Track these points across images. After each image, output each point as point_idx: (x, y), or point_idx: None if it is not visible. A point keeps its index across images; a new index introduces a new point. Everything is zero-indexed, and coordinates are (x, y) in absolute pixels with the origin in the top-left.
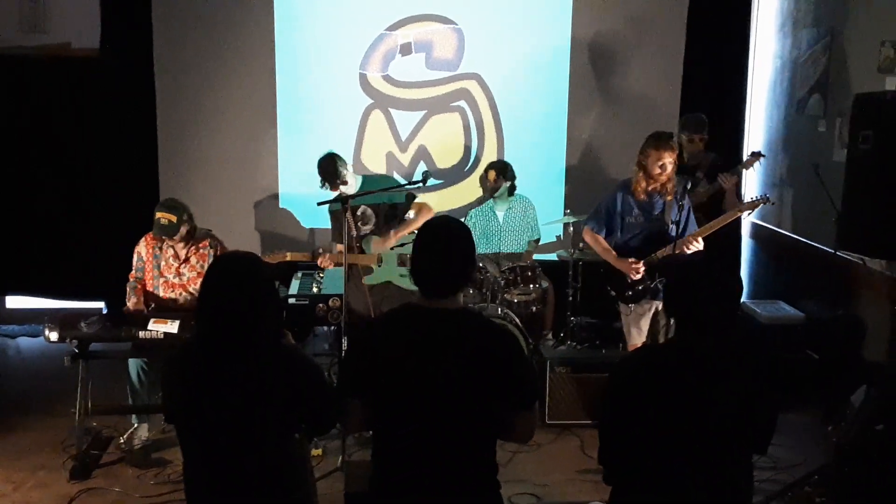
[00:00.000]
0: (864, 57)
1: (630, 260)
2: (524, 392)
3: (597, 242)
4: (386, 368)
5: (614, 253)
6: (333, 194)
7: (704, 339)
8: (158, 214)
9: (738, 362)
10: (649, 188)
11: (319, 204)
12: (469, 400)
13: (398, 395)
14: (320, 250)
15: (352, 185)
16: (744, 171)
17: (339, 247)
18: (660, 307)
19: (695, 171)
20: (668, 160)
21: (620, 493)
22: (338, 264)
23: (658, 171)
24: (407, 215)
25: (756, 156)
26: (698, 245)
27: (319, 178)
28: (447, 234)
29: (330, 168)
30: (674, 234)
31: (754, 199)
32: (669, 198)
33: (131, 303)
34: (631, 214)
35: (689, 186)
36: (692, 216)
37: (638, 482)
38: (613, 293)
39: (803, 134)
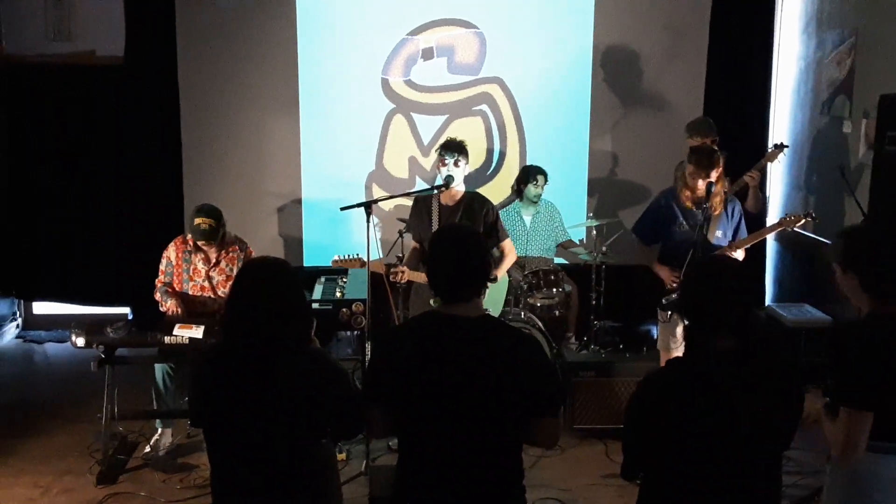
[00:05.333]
0: (889, 57)
1: (668, 270)
2: (547, 399)
3: (641, 249)
4: (408, 377)
5: (653, 259)
6: (355, 200)
7: (723, 343)
8: (198, 220)
9: (764, 367)
10: (693, 198)
11: (343, 209)
12: (492, 407)
13: (421, 403)
14: (396, 264)
15: (456, 183)
16: (767, 164)
17: (414, 243)
18: None
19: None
20: (700, 178)
21: (647, 500)
22: (413, 282)
23: (692, 184)
24: (493, 251)
25: (779, 147)
26: (738, 256)
27: (443, 146)
28: (459, 237)
29: (462, 145)
30: (723, 242)
31: (798, 215)
32: (717, 212)
33: (171, 304)
34: (675, 222)
35: (711, 190)
36: (743, 225)
37: (665, 490)
38: (664, 301)
39: (828, 135)
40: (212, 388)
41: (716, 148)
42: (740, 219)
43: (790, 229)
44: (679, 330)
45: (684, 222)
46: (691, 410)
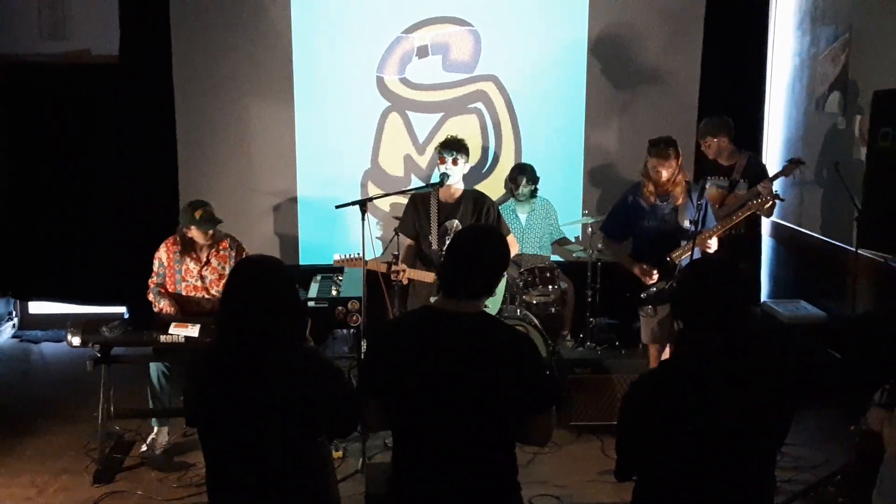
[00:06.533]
0: (883, 53)
1: (643, 265)
2: (540, 396)
3: (611, 247)
4: (402, 371)
5: (629, 257)
6: (349, 198)
7: (714, 341)
8: (198, 212)
9: (757, 364)
10: (657, 191)
11: (338, 207)
12: (485, 402)
13: (415, 398)
14: (396, 263)
15: (455, 181)
16: (783, 178)
17: (409, 241)
18: None
19: (730, 173)
20: (662, 168)
21: (642, 497)
22: (412, 280)
23: (655, 176)
24: None
25: (795, 163)
26: (713, 244)
27: (442, 144)
28: (484, 241)
29: (462, 143)
30: (691, 234)
31: (763, 198)
32: (680, 202)
33: (164, 304)
34: (643, 218)
35: (707, 186)
36: (710, 213)
37: (660, 488)
38: (628, 294)
39: (823, 132)
40: (205, 386)
41: (722, 146)
42: (706, 206)
43: (759, 212)
44: (659, 323)
45: (650, 216)
46: (682, 408)
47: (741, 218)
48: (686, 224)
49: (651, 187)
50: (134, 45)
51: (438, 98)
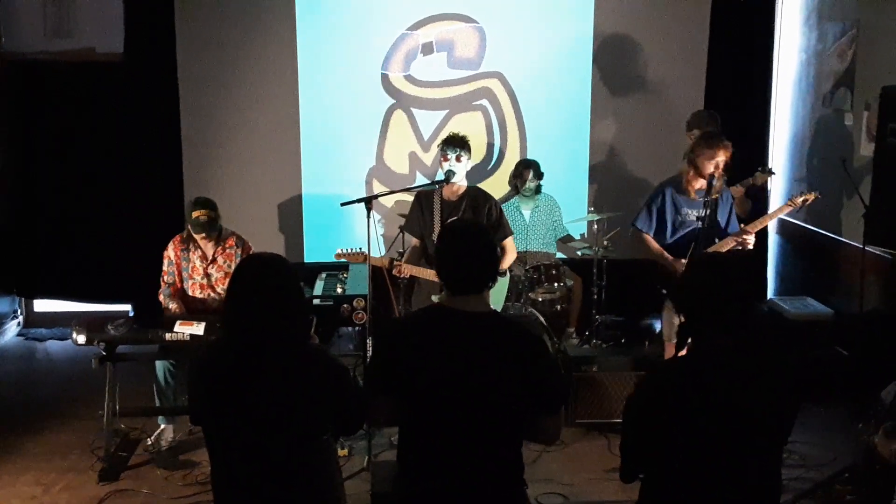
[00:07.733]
0: (890, 49)
1: (682, 261)
2: (548, 396)
3: (648, 243)
4: (411, 370)
5: (667, 253)
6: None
7: (724, 339)
8: (196, 213)
9: (763, 361)
10: (699, 187)
11: (343, 204)
12: (494, 401)
13: (423, 396)
14: (400, 260)
15: (459, 178)
16: (753, 184)
17: (415, 241)
18: None
19: None
20: (721, 158)
21: (648, 496)
22: (414, 277)
23: (712, 169)
24: None
25: (764, 172)
26: (751, 239)
27: (444, 142)
28: (467, 232)
29: (464, 140)
30: (721, 229)
31: (807, 194)
32: (719, 195)
33: (174, 306)
34: (681, 213)
35: (713, 183)
36: (734, 212)
37: (665, 485)
38: (665, 291)
39: (830, 128)
40: (209, 384)
41: None
42: (731, 205)
43: (800, 208)
44: None
45: (690, 212)
46: (687, 407)
47: (777, 216)
48: (717, 220)
49: (695, 183)
50: (139, 43)
51: (443, 95)
